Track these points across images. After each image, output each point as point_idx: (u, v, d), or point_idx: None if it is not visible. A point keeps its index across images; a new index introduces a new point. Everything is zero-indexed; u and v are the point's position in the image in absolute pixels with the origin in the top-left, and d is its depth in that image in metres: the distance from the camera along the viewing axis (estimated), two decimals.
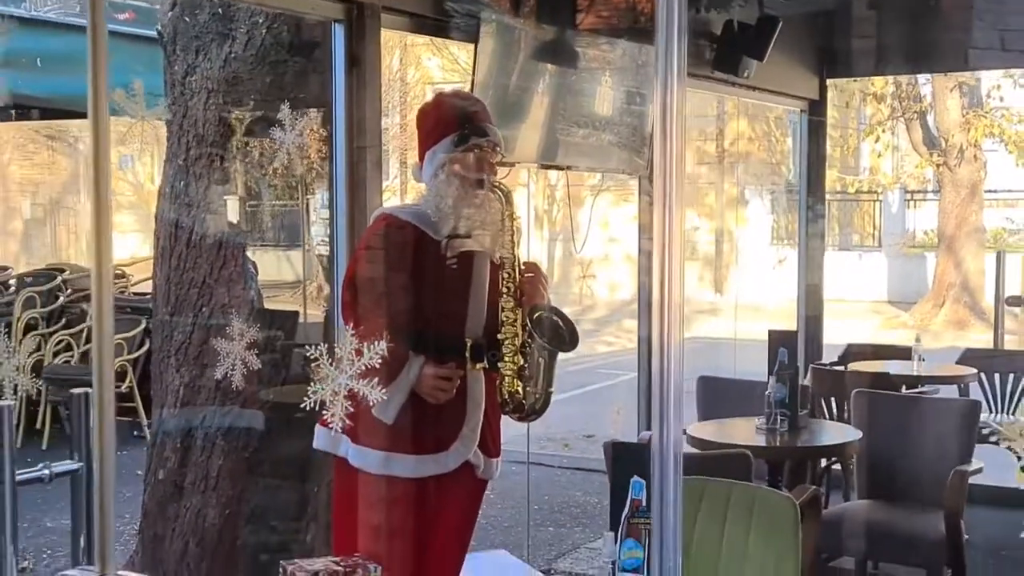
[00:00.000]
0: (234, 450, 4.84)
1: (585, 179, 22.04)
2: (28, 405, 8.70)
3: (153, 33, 5.13)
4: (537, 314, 3.25)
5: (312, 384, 2.43)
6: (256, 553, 4.75)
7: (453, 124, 3.33)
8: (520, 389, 3.28)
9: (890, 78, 17.44)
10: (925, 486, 4.35)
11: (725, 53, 5.78)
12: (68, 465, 1.74)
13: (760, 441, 4.35)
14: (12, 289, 10.03)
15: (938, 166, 17.83)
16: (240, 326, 3.36)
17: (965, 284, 17.85)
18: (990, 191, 18.95)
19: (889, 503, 4.39)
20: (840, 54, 7.04)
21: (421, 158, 3.41)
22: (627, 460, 2.40)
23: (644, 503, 2.41)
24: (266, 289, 6.99)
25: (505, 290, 3.29)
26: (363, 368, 2.19)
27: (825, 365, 6.60)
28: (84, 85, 5.09)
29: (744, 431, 4.45)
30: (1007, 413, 6.39)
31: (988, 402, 6.45)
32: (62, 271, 10.00)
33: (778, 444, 4.32)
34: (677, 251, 1.32)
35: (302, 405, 2.48)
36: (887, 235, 21.12)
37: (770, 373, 4.45)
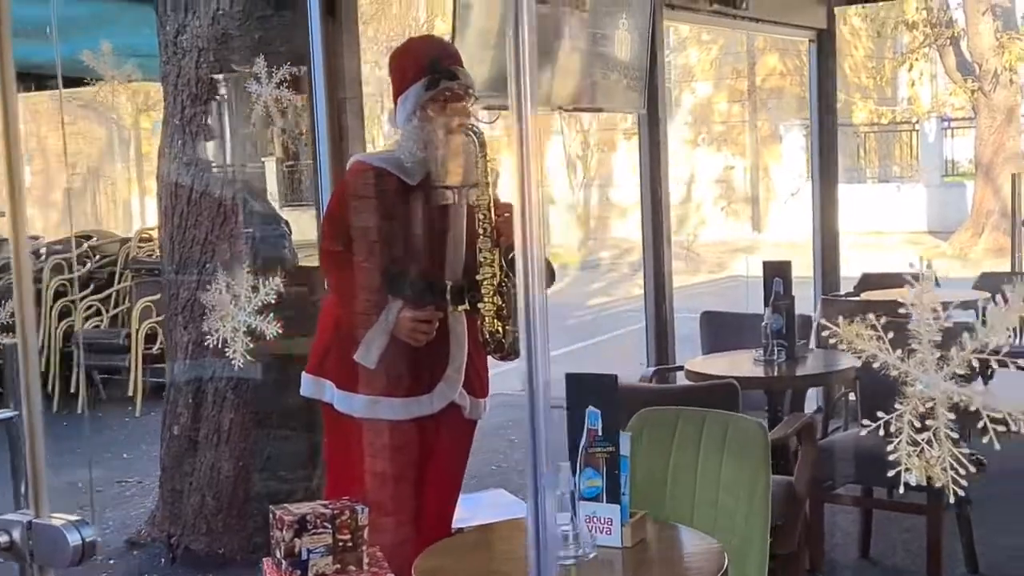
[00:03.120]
0: (244, 403, 4.92)
1: (618, 123, 21.94)
2: (63, 370, 8.88)
3: None
4: (512, 254, 3.26)
5: (214, 322, 2.48)
6: (268, 503, 4.84)
7: (423, 68, 3.34)
8: (500, 329, 3.31)
9: (921, 4, 17.18)
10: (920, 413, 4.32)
11: None
12: (5, 413, 1.80)
13: (757, 372, 4.35)
14: (43, 257, 10.18)
15: (972, 92, 17.55)
16: (224, 280, 3.40)
17: (1004, 211, 17.60)
18: None
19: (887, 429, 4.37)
20: None
21: (396, 104, 3.43)
22: (583, 390, 2.43)
23: (600, 432, 2.43)
24: (304, 248, 7.06)
25: (481, 231, 3.31)
26: (260, 304, 2.22)
27: (840, 295, 6.57)
28: (78, 50, 5.06)
29: (741, 363, 4.45)
30: None
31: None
32: (89, 238, 10.14)
33: (775, 374, 4.32)
34: (535, 193, 1.32)
35: (205, 343, 2.53)
36: (925, 165, 20.86)
37: (766, 304, 4.44)
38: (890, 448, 1.52)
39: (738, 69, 21.97)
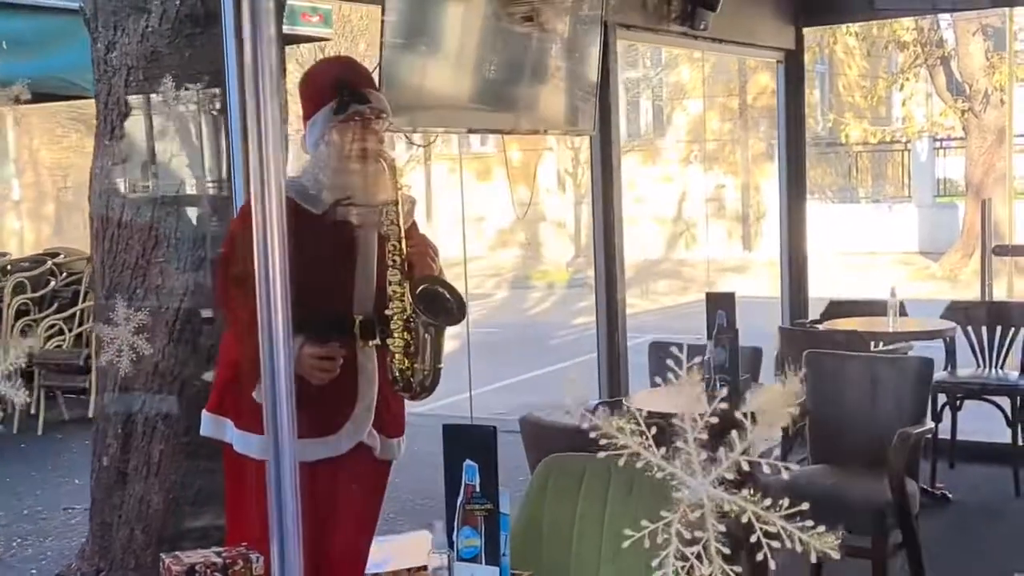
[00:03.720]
0: (175, 434, 4.75)
1: None
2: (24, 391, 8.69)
3: None
4: (421, 287, 3.10)
5: None
6: (200, 538, 4.67)
7: (331, 91, 3.17)
8: (409, 366, 3.13)
9: (911, 24, 17.03)
10: (874, 449, 4.16)
11: (681, 6, 5.57)
12: None
13: (700, 408, 4.16)
14: (7, 276, 10.02)
15: (963, 112, 17.39)
16: (125, 310, 3.24)
17: (995, 233, 17.41)
18: (1021, 136, 18.46)
19: (837, 467, 4.20)
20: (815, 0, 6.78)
21: (305, 128, 3.27)
22: (459, 443, 2.25)
23: (478, 488, 2.26)
24: None
25: (391, 263, 3.14)
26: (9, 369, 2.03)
27: (805, 323, 6.39)
28: (53, 66, 4.97)
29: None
30: (994, 367, 6.16)
31: (975, 356, 6.21)
32: (57, 255, 9.98)
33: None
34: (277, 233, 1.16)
35: None
36: (917, 185, 20.71)
37: (709, 337, 4.27)
38: (655, 563, 1.33)
39: (730, 87, 21.84)
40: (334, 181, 3.14)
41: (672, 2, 5.65)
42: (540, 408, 10.16)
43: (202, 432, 3.25)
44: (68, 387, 8.66)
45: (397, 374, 3.16)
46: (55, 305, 9.18)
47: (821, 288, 10.37)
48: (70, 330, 8.96)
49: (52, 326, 8.98)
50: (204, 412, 3.24)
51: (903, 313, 6.11)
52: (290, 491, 1.17)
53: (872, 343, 5.57)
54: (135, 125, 4.64)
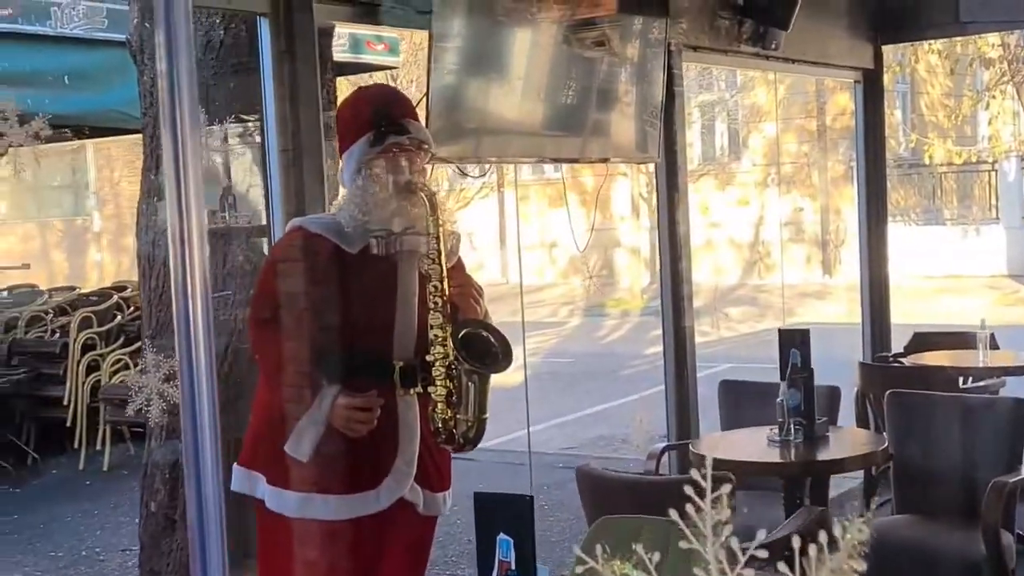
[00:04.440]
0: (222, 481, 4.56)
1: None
2: (89, 426, 8.63)
3: None
4: (464, 332, 2.86)
5: None
6: None
7: (368, 123, 2.97)
8: (451, 416, 2.90)
9: (997, 40, 16.50)
10: (965, 498, 3.83)
11: (752, 26, 5.31)
12: None
13: (771, 454, 3.86)
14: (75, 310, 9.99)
15: None
16: (155, 357, 3.05)
17: None
18: None
19: (925, 518, 3.87)
20: (895, 16, 6.45)
21: (342, 161, 3.07)
22: (492, 514, 2.01)
23: (513, 565, 2.01)
24: None
25: (432, 305, 2.91)
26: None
27: (887, 357, 6.03)
28: (113, 100, 4.85)
29: (754, 443, 3.96)
30: None
31: None
32: (124, 288, 9.94)
33: (790, 458, 3.83)
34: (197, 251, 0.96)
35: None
36: (1004, 206, 20.08)
37: (782, 378, 3.96)
38: None
39: (807, 108, 21.40)
40: (371, 217, 2.93)
41: (743, 23, 5.38)
42: (610, 441, 9.82)
43: (233, 487, 3.04)
44: (134, 422, 8.55)
45: (440, 425, 2.93)
46: (121, 339, 9.11)
47: (905, 315, 9.95)
48: (135, 365, 8.86)
49: (118, 361, 8.91)
50: (235, 466, 3.03)
51: (994, 345, 5.74)
52: (215, 528, 0.98)
53: (960, 379, 5.21)
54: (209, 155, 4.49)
